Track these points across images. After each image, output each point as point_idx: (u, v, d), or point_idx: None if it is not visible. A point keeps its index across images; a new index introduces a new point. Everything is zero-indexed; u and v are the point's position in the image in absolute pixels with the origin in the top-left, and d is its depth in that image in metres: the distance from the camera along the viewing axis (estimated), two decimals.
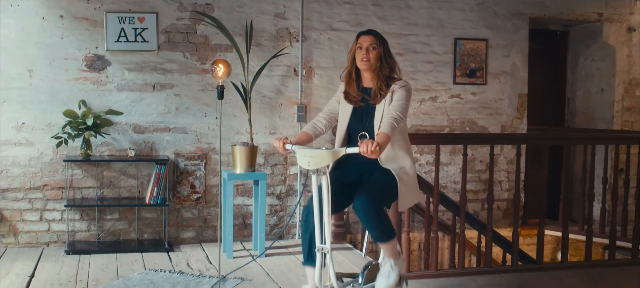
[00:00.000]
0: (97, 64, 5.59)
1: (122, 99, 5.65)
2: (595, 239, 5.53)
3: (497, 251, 5.92)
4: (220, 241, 4.31)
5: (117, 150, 5.67)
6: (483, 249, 5.37)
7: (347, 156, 3.39)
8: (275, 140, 3.53)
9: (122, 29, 5.58)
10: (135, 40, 5.62)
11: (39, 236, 5.57)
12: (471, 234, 6.00)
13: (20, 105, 5.46)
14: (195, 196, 5.84)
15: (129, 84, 5.66)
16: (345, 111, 3.67)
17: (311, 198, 3.35)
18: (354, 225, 6.10)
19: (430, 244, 4.83)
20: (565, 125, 7.55)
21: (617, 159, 5.99)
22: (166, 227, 5.69)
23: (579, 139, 6.38)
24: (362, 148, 3.19)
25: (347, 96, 3.68)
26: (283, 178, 6.06)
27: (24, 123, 5.48)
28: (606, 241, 6.04)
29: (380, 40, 3.62)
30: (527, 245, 6.67)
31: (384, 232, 3.43)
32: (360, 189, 3.44)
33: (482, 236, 5.58)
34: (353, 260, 5.30)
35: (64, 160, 5.45)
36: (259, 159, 5.92)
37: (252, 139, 5.54)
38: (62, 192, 5.57)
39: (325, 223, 3.29)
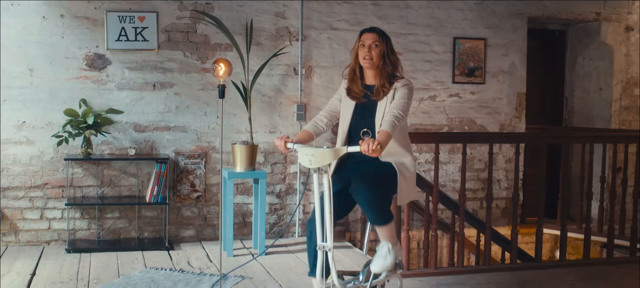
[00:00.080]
0: (97, 63, 5.61)
1: (123, 98, 5.67)
2: (593, 237, 5.56)
3: (495, 249, 5.94)
4: (221, 239, 4.34)
5: (118, 149, 5.69)
6: (482, 248, 5.39)
7: (348, 154, 3.41)
8: (277, 139, 3.55)
9: (123, 28, 5.60)
10: (136, 39, 5.63)
11: (39, 234, 5.58)
12: (470, 233, 6.02)
13: (21, 104, 5.48)
14: (195, 195, 5.86)
15: (129, 82, 5.67)
16: (347, 108, 3.69)
17: (314, 210, 3.38)
18: (354, 224, 6.13)
19: (429, 242, 4.86)
20: (563, 124, 7.59)
21: (615, 158, 6.03)
22: (166, 226, 5.71)
23: (578, 138, 6.41)
24: (363, 147, 3.21)
25: (350, 92, 3.70)
26: (283, 177, 6.08)
27: (24, 122, 5.50)
28: (604, 239, 6.06)
29: (383, 37, 3.63)
30: (526, 244, 6.70)
31: (382, 214, 3.47)
32: (359, 175, 3.45)
33: (481, 234, 5.60)
34: (353, 258, 5.32)
35: (65, 159, 5.47)
36: (259, 158, 5.94)
37: (252, 138, 5.56)
38: (63, 191, 5.59)
39: (327, 222, 3.32)
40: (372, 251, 5.74)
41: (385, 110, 3.53)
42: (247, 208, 5.97)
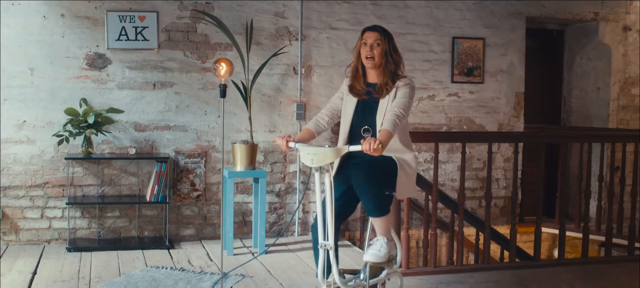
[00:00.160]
0: (98, 62, 5.62)
1: (123, 97, 5.69)
2: (591, 236, 5.59)
3: (494, 248, 5.97)
4: (222, 238, 4.36)
5: (118, 148, 5.71)
6: (481, 247, 5.42)
7: (349, 153, 3.44)
8: (278, 138, 3.57)
9: (123, 27, 5.61)
10: (136, 39, 5.65)
11: (40, 233, 5.60)
12: (469, 232, 6.05)
13: (22, 103, 5.49)
14: (195, 194, 5.88)
15: (129, 82, 5.69)
16: (349, 106, 3.71)
17: (316, 216, 3.41)
18: (353, 223, 6.15)
19: (429, 241, 4.88)
20: (561, 124, 7.62)
21: (613, 157, 6.05)
22: (167, 225, 5.73)
23: (576, 137, 6.44)
24: (365, 146, 3.23)
25: (352, 89, 3.72)
26: (282, 176, 6.10)
27: (25, 121, 5.51)
28: (602, 238, 6.10)
29: (385, 36, 3.65)
30: (524, 242, 6.73)
31: (380, 205, 3.48)
32: (360, 168, 3.48)
33: (480, 233, 5.63)
34: (352, 257, 5.34)
35: (65, 158, 5.49)
36: (259, 157, 5.96)
37: (252, 137, 5.58)
38: (63, 190, 5.61)
39: (329, 221, 3.34)
40: None
41: (387, 109, 3.55)
42: (247, 208, 5.99)
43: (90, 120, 5.39)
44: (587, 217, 5.60)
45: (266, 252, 5.37)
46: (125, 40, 5.63)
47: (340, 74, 6.11)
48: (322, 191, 3.40)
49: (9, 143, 5.49)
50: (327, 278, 3.38)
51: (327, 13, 6.14)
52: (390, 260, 3.63)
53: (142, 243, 5.56)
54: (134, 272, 4.72)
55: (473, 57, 6.61)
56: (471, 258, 6.31)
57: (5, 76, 5.44)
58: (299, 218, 6.15)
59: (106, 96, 5.65)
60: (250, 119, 5.63)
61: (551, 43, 7.63)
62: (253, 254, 5.29)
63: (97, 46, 5.61)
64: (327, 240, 3.36)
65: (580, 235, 5.56)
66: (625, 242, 5.62)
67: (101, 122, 5.49)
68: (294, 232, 6.15)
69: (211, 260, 5.15)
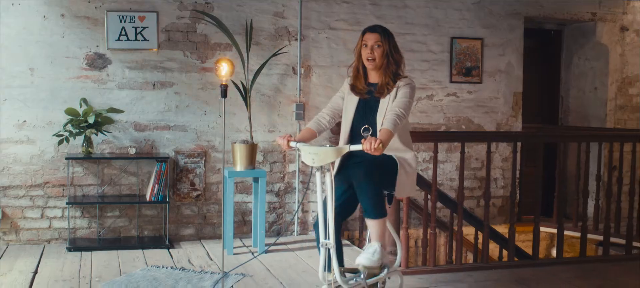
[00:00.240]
0: (98, 62, 5.64)
1: (123, 97, 5.70)
2: (589, 236, 5.62)
3: (492, 247, 5.99)
4: (223, 238, 4.38)
5: (118, 148, 5.72)
6: (479, 246, 5.45)
7: (350, 152, 3.46)
8: (279, 138, 3.59)
9: (123, 27, 5.63)
10: (136, 39, 5.66)
11: (40, 233, 5.61)
12: (467, 231, 6.07)
13: (22, 103, 5.50)
14: (195, 193, 5.90)
15: (129, 82, 5.71)
16: (350, 105, 3.73)
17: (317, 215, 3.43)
18: (352, 222, 6.17)
19: (428, 240, 4.90)
20: (558, 124, 7.65)
21: (610, 157, 6.09)
22: (166, 224, 5.75)
23: (574, 137, 6.46)
24: (366, 145, 3.26)
25: (354, 88, 3.74)
26: (281, 175, 6.13)
27: (25, 121, 5.52)
28: (599, 237, 6.13)
29: (385, 36, 3.67)
30: (522, 242, 6.74)
31: (376, 206, 3.48)
32: (360, 169, 3.49)
33: (479, 232, 5.66)
34: (351, 256, 5.34)
35: (65, 158, 5.51)
36: (258, 157, 5.98)
37: (251, 137, 5.60)
38: (63, 190, 5.62)
39: (329, 220, 3.36)
40: None
41: (387, 109, 3.58)
42: (247, 207, 6.01)
43: (91, 120, 5.40)
44: (585, 216, 5.63)
45: (266, 252, 5.39)
46: (125, 40, 5.64)
47: (339, 74, 6.13)
48: (323, 190, 3.42)
49: (9, 143, 5.51)
50: (327, 271, 3.40)
51: (326, 13, 6.16)
52: (383, 267, 3.62)
53: (142, 243, 5.57)
54: (135, 272, 4.74)
55: (471, 57, 6.64)
56: (469, 257, 6.34)
57: (5, 76, 5.46)
58: (298, 218, 6.18)
59: (106, 96, 5.66)
60: (250, 118, 5.65)
61: (549, 43, 7.66)
62: (253, 254, 5.31)
63: (97, 46, 5.62)
64: (328, 238, 3.38)
65: (578, 234, 5.59)
66: (622, 241, 5.65)
67: (101, 122, 5.50)
68: (294, 231, 6.17)
69: (211, 260, 5.17)
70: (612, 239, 5.55)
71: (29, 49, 5.49)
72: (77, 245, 5.44)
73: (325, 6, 6.15)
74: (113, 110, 5.61)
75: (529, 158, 6.70)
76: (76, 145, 5.56)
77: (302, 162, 6.08)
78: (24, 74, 5.50)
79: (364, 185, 3.46)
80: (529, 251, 5.61)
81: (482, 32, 6.67)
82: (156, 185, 5.55)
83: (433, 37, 6.51)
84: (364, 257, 3.50)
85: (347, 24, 6.21)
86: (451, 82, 6.60)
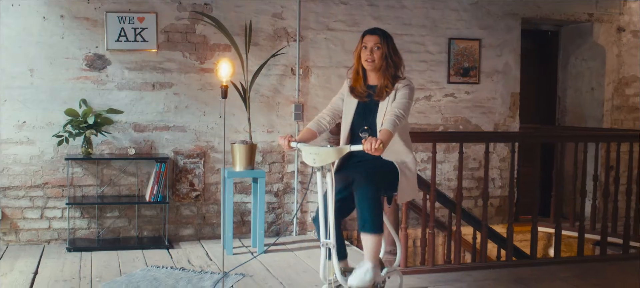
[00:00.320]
0: (97, 63, 5.65)
1: (122, 98, 5.72)
2: (586, 235, 5.65)
3: (490, 247, 6.02)
4: (223, 238, 4.40)
5: (117, 149, 5.74)
6: (477, 246, 5.48)
7: (350, 153, 3.48)
8: (280, 138, 3.62)
9: (122, 28, 5.64)
10: (135, 40, 5.68)
11: (39, 234, 5.62)
12: (466, 231, 6.10)
13: (22, 104, 5.51)
14: (194, 194, 5.92)
15: (129, 83, 5.72)
16: (349, 107, 3.76)
17: (317, 208, 3.45)
18: (351, 222, 6.19)
19: (426, 240, 4.93)
20: (556, 124, 7.69)
21: (608, 157, 6.12)
22: (166, 225, 5.76)
23: (572, 137, 6.50)
24: (366, 146, 3.28)
25: (353, 91, 3.76)
26: (280, 176, 6.15)
27: (25, 122, 5.53)
28: (596, 237, 6.17)
29: (384, 38, 3.70)
30: (519, 241, 6.78)
31: (374, 220, 3.45)
32: (362, 174, 3.51)
33: (477, 232, 5.68)
34: (351, 256, 5.35)
35: (65, 159, 5.52)
36: (257, 157, 6.00)
37: (250, 137, 5.62)
38: (63, 190, 5.63)
39: (330, 219, 3.39)
40: None
41: (387, 110, 3.60)
42: (246, 207, 6.03)
43: (90, 120, 5.42)
44: (582, 216, 5.65)
45: (265, 252, 5.41)
46: (125, 41, 5.66)
47: (337, 74, 6.16)
48: (324, 190, 3.44)
49: (9, 143, 5.52)
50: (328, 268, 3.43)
51: (324, 14, 6.18)
52: (375, 286, 3.58)
53: (142, 243, 5.59)
54: (135, 272, 4.75)
55: (469, 58, 6.67)
56: (468, 257, 6.36)
57: (5, 77, 5.47)
58: (297, 218, 6.20)
59: (105, 97, 5.68)
60: (249, 119, 5.67)
61: (546, 44, 7.70)
62: (252, 254, 5.33)
63: (97, 47, 5.64)
64: (329, 238, 3.40)
65: (575, 234, 5.62)
66: (619, 241, 5.68)
67: (101, 123, 5.52)
68: (292, 231, 6.19)
69: (211, 260, 5.19)
70: (609, 239, 5.58)
71: (28, 50, 5.50)
72: (76, 245, 5.46)
73: (323, 7, 6.18)
74: (112, 110, 5.62)
75: (527, 158, 6.75)
76: (76, 145, 5.58)
77: (301, 163, 6.11)
78: (23, 75, 5.51)
79: (365, 190, 3.45)
80: (527, 251, 5.64)
81: (479, 32, 6.70)
82: (155, 186, 5.57)
83: (431, 37, 6.54)
84: (356, 277, 3.46)
85: (345, 24, 6.23)
86: (449, 82, 6.63)
